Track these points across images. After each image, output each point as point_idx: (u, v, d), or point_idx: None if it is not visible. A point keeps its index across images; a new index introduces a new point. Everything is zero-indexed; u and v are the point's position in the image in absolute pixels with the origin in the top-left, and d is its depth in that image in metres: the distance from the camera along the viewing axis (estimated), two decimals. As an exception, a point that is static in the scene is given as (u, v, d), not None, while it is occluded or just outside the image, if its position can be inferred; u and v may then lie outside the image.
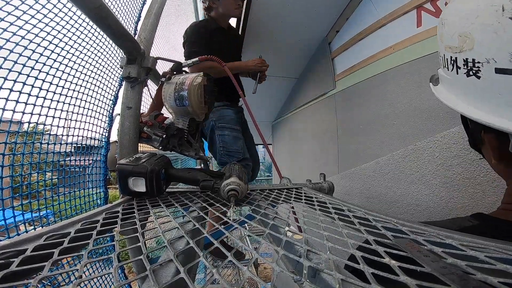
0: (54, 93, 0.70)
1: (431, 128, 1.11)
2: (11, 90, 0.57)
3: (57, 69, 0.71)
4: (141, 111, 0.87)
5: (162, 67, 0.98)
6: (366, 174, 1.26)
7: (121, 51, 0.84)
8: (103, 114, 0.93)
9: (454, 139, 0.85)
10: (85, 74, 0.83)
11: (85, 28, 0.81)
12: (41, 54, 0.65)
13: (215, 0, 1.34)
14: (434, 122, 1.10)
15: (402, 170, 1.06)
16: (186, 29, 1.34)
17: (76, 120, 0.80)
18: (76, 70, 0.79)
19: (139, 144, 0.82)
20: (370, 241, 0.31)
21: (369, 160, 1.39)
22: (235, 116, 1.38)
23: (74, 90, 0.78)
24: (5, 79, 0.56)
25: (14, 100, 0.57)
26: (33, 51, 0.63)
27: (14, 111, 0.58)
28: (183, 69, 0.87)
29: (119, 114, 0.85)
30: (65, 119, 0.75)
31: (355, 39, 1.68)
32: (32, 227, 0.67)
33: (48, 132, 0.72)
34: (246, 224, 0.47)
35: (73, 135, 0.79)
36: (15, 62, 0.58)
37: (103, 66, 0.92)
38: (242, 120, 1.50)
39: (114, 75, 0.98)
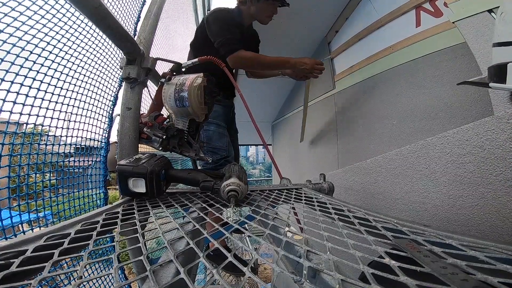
0: (53, 94, 0.70)
1: (431, 128, 1.11)
2: (8, 91, 0.57)
3: (56, 70, 0.71)
4: (141, 112, 0.86)
5: (162, 68, 0.98)
6: (371, 168, 1.24)
7: (120, 51, 0.84)
8: (102, 115, 0.93)
9: (468, 136, 0.81)
10: (84, 75, 0.83)
11: (83, 29, 0.81)
12: (39, 55, 0.65)
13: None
14: (434, 122, 1.11)
15: (410, 166, 1.03)
16: (208, 15, 1.23)
17: (75, 121, 0.80)
18: (75, 71, 0.79)
19: (139, 144, 0.82)
20: (370, 241, 0.31)
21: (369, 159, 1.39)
22: (222, 112, 1.33)
23: (73, 91, 0.78)
24: (3, 80, 0.55)
25: (12, 101, 0.57)
26: (31, 52, 0.63)
27: (11, 112, 0.58)
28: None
29: (119, 115, 0.84)
30: (64, 119, 0.75)
31: (354, 39, 1.68)
32: (30, 228, 0.67)
33: (47, 133, 0.72)
34: (246, 225, 0.47)
35: (71, 136, 0.79)
36: (13, 63, 0.58)
37: (103, 67, 0.92)
38: (229, 117, 1.44)
39: (114, 75, 0.98)
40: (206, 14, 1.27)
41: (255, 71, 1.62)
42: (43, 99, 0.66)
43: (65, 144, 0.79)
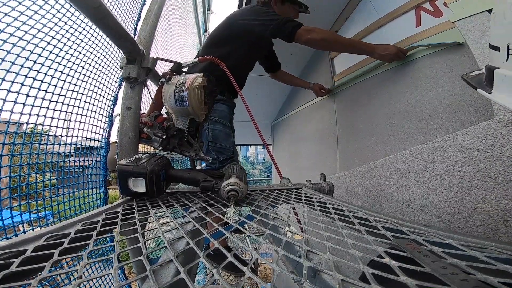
0: (53, 93, 0.70)
1: (431, 128, 1.11)
2: (9, 90, 0.57)
3: (56, 70, 0.71)
4: (141, 112, 0.86)
5: (162, 68, 0.98)
6: (374, 171, 1.24)
7: (121, 51, 0.84)
8: (103, 115, 0.93)
9: (467, 140, 0.83)
10: (85, 75, 0.83)
11: (83, 29, 0.81)
12: (40, 55, 0.65)
13: (277, 0, 1.30)
14: (434, 122, 1.10)
15: (411, 169, 1.04)
16: (246, 10, 1.26)
17: (75, 121, 0.80)
18: (75, 71, 0.79)
19: (139, 144, 0.82)
20: (370, 241, 0.31)
21: (368, 160, 1.39)
22: (228, 112, 1.33)
23: (73, 91, 0.78)
24: (3, 79, 0.55)
25: (12, 101, 0.57)
26: (31, 52, 0.63)
27: (12, 112, 0.58)
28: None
29: (119, 115, 0.84)
30: (64, 119, 0.75)
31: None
32: (31, 227, 0.67)
33: (47, 133, 0.72)
34: (246, 225, 0.47)
35: (72, 136, 0.79)
36: (13, 63, 0.58)
37: (103, 67, 0.92)
38: (232, 116, 1.43)
39: (114, 75, 0.98)
40: (235, 12, 1.28)
41: (282, 76, 1.72)
42: (43, 99, 0.66)
43: (65, 144, 0.79)
